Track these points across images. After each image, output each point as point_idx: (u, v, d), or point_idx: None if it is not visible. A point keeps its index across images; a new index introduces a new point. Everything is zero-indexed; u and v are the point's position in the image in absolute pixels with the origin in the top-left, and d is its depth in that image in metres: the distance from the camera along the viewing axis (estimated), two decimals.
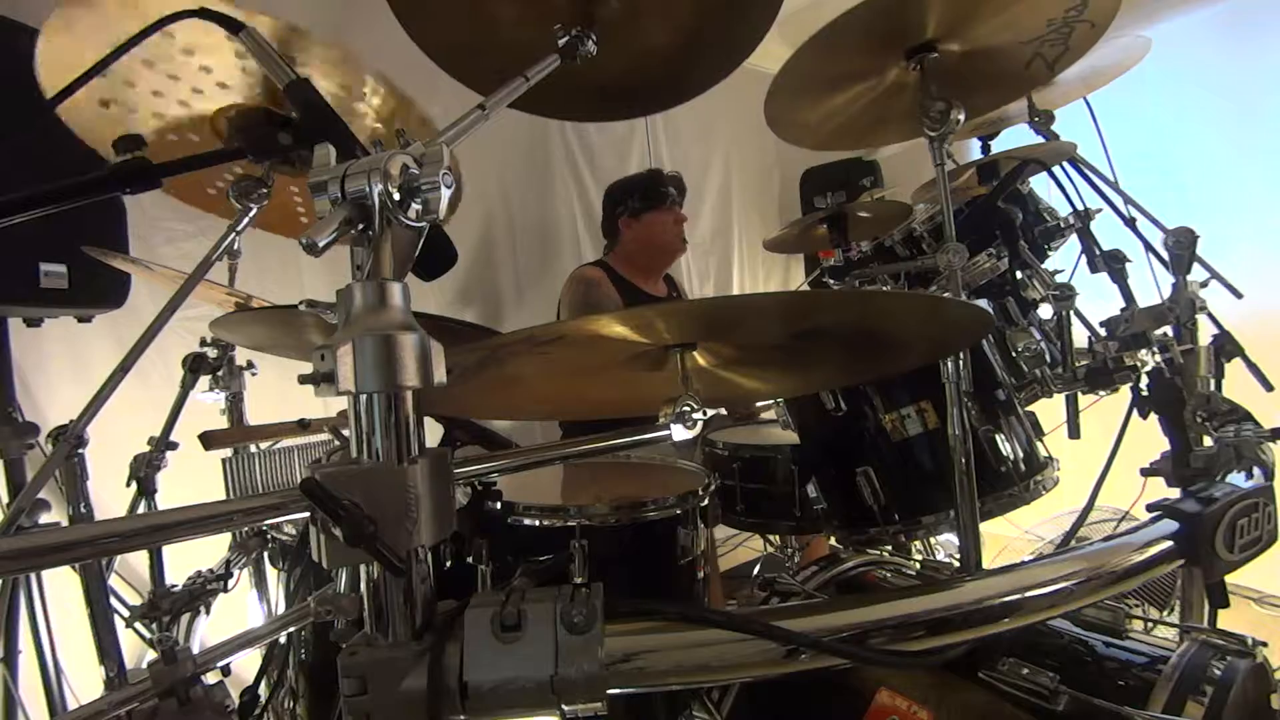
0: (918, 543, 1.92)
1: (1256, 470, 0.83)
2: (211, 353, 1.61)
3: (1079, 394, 1.33)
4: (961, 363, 1.05)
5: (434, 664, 0.46)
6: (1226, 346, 1.28)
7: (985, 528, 1.09)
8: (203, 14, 0.71)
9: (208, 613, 1.50)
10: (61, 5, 0.76)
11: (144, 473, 1.44)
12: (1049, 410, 1.37)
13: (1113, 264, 1.37)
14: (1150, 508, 0.69)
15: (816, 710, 0.97)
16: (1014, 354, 1.35)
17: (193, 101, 0.93)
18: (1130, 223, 1.45)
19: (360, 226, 0.50)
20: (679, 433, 0.73)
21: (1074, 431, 1.31)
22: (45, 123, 0.83)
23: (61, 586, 1.43)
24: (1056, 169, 1.52)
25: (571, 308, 2.35)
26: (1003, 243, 1.41)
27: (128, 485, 1.45)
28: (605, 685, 0.47)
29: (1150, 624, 1.18)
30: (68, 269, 1.39)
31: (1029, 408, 1.37)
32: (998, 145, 1.82)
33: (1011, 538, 2.54)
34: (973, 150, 2.25)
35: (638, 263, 2.49)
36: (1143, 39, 1.67)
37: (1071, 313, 1.36)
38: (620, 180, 2.58)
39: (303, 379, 0.50)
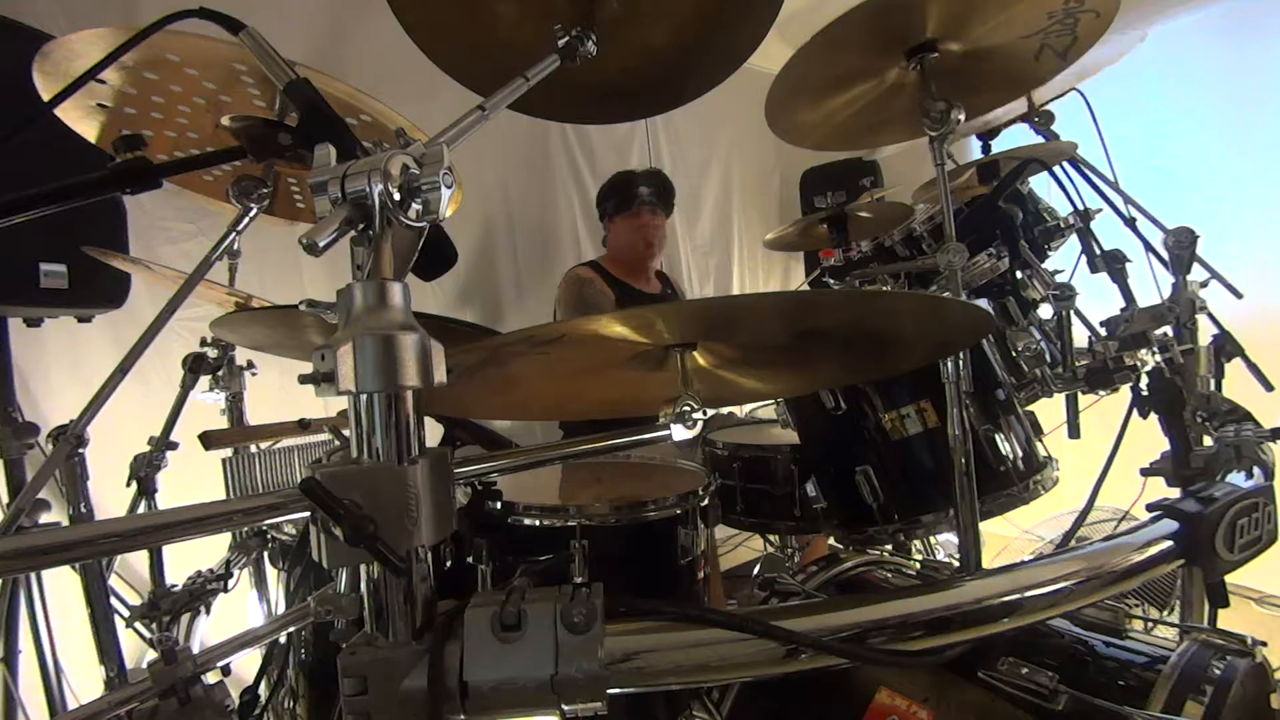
0: (917, 542, 1.93)
1: (1256, 470, 0.83)
2: (211, 353, 1.61)
3: (1079, 394, 1.33)
4: (961, 363, 1.05)
5: (434, 664, 0.46)
6: (1226, 346, 1.28)
7: (985, 527, 1.09)
8: (202, 14, 0.71)
9: (208, 613, 1.50)
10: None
11: (144, 473, 1.45)
12: (1049, 410, 1.37)
13: (1113, 264, 1.37)
14: (1150, 508, 0.68)
15: (816, 710, 0.97)
16: (1014, 354, 1.35)
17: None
18: (1130, 223, 1.45)
19: (360, 226, 0.50)
20: (679, 433, 0.73)
21: (1074, 431, 1.31)
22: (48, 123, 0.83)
23: (61, 586, 1.43)
24: (1056, 169, 1.52)
25: (566, 307, 2.38)
26: (1003, 243, 1.41)
27: (128, 485, 1.45)
28: (605, 685, 0.47)
29: (1150, 624, 1.18)
30: (68, 269, 1.38)
31: (1029, 407, 1.37)
32: (998, 145, 1.82)
33: (1011, 538, 2.54)
34: (973, 150, 2.25)
35: (624, 261, 2.53)
36: (1135, 32, 1.67)
37: (1071, 313, 1.36)
38: (605, 182, 2.62)
39: (303, 379, 0.50)
